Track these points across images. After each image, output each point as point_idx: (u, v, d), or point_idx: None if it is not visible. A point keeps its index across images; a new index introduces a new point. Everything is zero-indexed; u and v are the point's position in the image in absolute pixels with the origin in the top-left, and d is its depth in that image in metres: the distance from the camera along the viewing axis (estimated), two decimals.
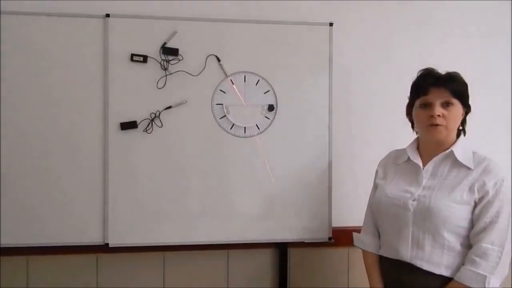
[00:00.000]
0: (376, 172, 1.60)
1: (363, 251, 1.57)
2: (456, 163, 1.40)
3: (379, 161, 1.62)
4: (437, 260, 1.36)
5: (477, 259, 1.30)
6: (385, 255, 1.49)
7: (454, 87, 1.40)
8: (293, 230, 1.87)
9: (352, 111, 1.99)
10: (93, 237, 1.78)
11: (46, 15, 1.74)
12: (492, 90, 2.05)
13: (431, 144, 1.45)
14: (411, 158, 1.47)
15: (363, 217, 1.63)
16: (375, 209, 1.54)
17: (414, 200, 1.40)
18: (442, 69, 1.44)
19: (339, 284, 1.98)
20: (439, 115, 1.39)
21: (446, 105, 1.40)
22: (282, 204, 1.86)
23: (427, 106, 1.41)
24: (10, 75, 1.72)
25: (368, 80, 2.00)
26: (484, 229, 1.32)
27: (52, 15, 1.74)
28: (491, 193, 1.33)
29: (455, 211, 1.34)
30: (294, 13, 1.92)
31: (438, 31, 2.05)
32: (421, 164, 1.45)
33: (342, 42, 1.93)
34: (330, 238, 1.89)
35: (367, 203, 1.63)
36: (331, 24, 1.88)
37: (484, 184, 1.34)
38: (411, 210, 1.39)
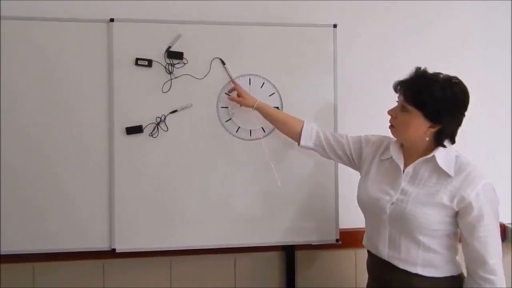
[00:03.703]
0: (368, 142, 1.58)
1: None
2: (437, 169, 1.35)
3: (375, 134, 1.60)
4: (412, 260, 1.37)
5: (492, 277, 1.28)
6: (368, 248, 1.54)
7: (408, 93, 1.34)
8: (300, 232, 1.86)
9: (358, 113, 1.99)
10: (99, 243, 1.77)
11: (50, 20, 1.73)
12: (492, 89, 2.05)
13: (407, 145, 1.43)
14: (394, 158, 1.44)
15: None
16: (358, 203, 1.53)
17: (392, 203, 1.39)
18: (442, 69, 1.39)
19: (347, 286, 1.97)
20: (391, 115, 1.41)
21: (402, 109, 1.37)
22: (288, 207, 1.86)
23: None
24: (14, 80, 1.71)
25: (373, 82, 1.99)
26: (484, 244, 1.29)
27: (55, 20, 1.73)
28: (476, 205, 1.29)
29: (430, 218, 1.33)
30: (298, 15, 1.92)
31: (442, 32, 2.05)
32: (402, 166, 1.42)
33: (347, 43, 1.93)
34: (337, 240, 1.88)
35: None
36: (335, 26, 1.87)
37: (466, 197, 1.29)
38: (388, 213, 1.40)
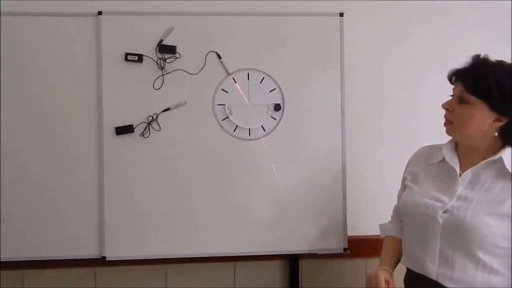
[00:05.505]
0: (406, 168, 1.42)
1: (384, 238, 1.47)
2: (503, 173, 1.18)
3: (410, 157, 1.44)
4: (468, 282, 1.17)
5: None
6: (408, 267, 1.32)
7: (470, 81, 1.19)
8: (304, 240, 1.74)
9: (367, 109, 1.84)
10: (89, 250, 1.68)
11: (34, 15, 1.66)
12: None
13: (465, 145, 1.26)
14: (447, 159, 1.27)
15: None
16: (401, 212, 1.37)
17: (445, 211, 1.20)
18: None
19: None
20: (447, 109, 1.23)
21: (460, 101, 1.20)
22: (292, 212, 1.73)
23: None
24: None
25: (382, 75, 1.85)
26: None
27: (40, 15, 1.66)
28: None
29: (496, 230, 1.14)
30: (300, 4, 1.79)
31: (454, 22, 1.87)
32: (457, 168, 1.25)
33: (354, 34, 1.78)
34: (345, 249, 1.74)
35: (389, 207, 1.50)
36: (341, 15, 1.74)
37: None
38: (440, 222, 1.20)
